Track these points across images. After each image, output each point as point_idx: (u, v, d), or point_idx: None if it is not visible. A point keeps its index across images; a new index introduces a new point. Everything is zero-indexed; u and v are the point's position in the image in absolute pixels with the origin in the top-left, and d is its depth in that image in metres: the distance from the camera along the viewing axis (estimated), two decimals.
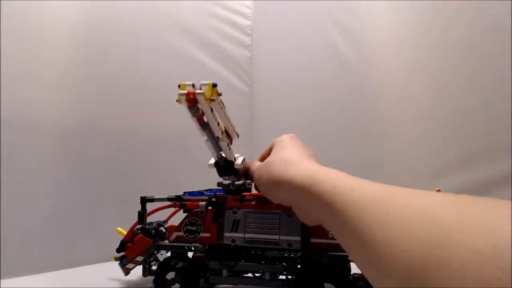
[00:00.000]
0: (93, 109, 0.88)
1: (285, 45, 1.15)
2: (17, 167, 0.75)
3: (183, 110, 0.47)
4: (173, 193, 0.63)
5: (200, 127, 0.50)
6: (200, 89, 0.45)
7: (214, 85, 0.45)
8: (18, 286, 0.70)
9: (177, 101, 0.46)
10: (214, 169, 0.67)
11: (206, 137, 0.52)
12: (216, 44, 1.14)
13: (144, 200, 0.63)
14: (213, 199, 0.61)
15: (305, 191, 0.37)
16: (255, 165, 0.55)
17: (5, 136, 0.73)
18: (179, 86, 0.46)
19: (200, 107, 0.47)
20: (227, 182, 0.62)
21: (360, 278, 0.60)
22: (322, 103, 1.05)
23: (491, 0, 0.78)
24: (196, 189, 0.65)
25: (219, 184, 0.63)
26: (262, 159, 0.54)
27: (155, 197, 0.63)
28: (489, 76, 0.80)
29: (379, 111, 0.98)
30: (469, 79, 0.83)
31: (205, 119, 0.49)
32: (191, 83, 0.46)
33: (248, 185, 0.63)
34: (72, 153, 0.84)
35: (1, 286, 0.68)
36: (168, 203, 0.63)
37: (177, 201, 0.62)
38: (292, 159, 0.45)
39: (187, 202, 0.61)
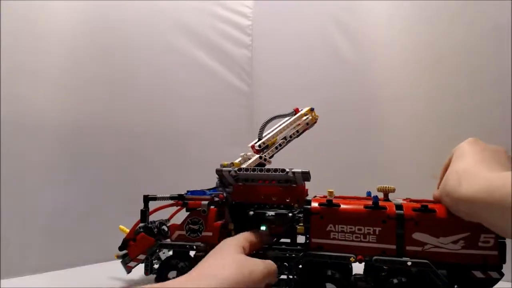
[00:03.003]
0: (94, 108, 0.88)
1: (285, 45, 1.15)
2: (17, 167, 0.74)
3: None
4: (175, 192, 0.63)
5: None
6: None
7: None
8: (18, 286, 0.69)
9: None
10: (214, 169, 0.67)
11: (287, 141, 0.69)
12: (216, 44, 1.14)
13: (146, 199, 0.63)
14: (216, 198, 0.61)
15: (482, 204, 0.37)
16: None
17: (6, 135, 0.73)
18: (312, 109, 0.74)
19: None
20: None
21: (362, 278, 0.60)
22: (322, 103, 1.05)
23: (491, 0, 0.78)
24: (198, 188, 0.65)
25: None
26: (444, 170, 0.52)
27: (158, 195, 0.62)
28: (489, 76, 0.80)
29: (379, 111, 0.98)
30: (469, 79, 0.83)
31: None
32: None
33: None
34: (73, 152, 0.84)
35: (1, 286, 0.68)
36: (171, 201, 0.63)
37: (180, 200, 0.62)
38: (465, 171, 0.44)
39: (190, 201, 0.61)
